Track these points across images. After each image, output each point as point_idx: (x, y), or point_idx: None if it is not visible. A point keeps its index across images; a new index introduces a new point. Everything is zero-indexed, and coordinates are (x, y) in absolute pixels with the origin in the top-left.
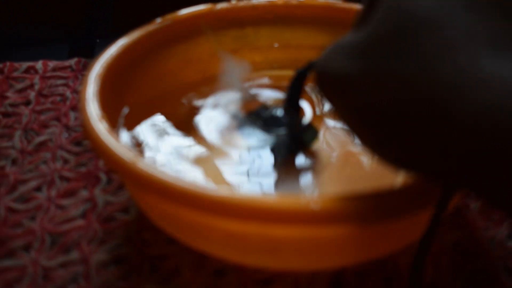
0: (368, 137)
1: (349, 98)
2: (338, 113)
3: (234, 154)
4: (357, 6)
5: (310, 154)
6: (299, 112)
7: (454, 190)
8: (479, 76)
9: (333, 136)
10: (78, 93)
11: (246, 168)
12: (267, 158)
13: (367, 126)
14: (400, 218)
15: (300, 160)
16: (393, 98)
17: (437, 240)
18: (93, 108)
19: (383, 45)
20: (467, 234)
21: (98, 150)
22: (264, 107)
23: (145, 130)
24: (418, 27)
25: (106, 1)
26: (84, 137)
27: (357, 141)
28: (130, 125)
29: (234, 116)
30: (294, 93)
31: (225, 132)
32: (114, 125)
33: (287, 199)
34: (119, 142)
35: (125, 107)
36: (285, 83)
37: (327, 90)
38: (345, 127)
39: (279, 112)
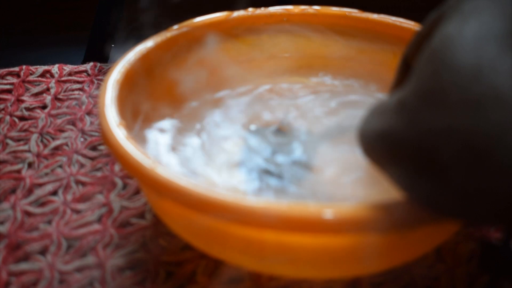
0: (420, 190)
1: (396, 155)
2: (386, 171)
3: (248, 160)
4: (373, 16)
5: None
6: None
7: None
8: None
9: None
10: (97, 98)
11: (258, 174)
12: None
13: (417, 180)
14: (415, 229)
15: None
16: (443, 149)
17: (452, 252)
18: (111, 114)
19: (427, 99)
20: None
21: (116, 156)
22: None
23: (161, 135)
24: (459, 77)
25: (119, 6)
26: (103, 143)
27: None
28: (147, 130)
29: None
30: (325, 136)
31: (238, 138)
32: (131, 131)
33: (302, 208)
34: (138, 148)
35: (142, 112)
36: (301, 90)
37: (373, 151)
38: (393, 183)
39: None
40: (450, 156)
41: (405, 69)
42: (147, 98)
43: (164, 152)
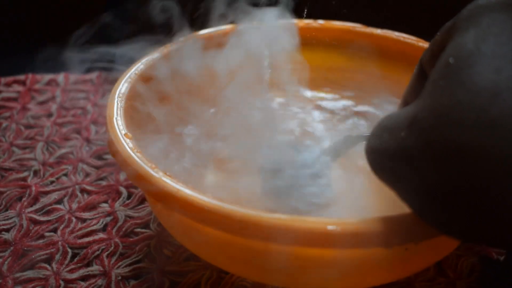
0: (429, 210)
1: (406, 174)
2: (395, 189)
3: (255, 171)
4: (377, 31)
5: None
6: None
7: None
8: None
9: None
10: (105, 110)
11: (266, 186)
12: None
13: (426, 200)
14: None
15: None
16: (455, 170)
17: (453, 266)
18: (119, 126)
19: (441, 117)
20: (482, 260)
21: (124, 167)
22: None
23: (169, 146)
24: (477, 96)
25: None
26: (110, 153)
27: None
28: (155, 141)
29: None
30: (336, 150)
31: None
32: (138, 142)
33: (306, 221)
34: (145, 160)
35: (149, 124)
36: (307, 103)
37: (382, 168)
38: (402, 200)
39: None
40: (463, 177)
41: (421, 76)
42: (154, 110)
43: (170, 163)
